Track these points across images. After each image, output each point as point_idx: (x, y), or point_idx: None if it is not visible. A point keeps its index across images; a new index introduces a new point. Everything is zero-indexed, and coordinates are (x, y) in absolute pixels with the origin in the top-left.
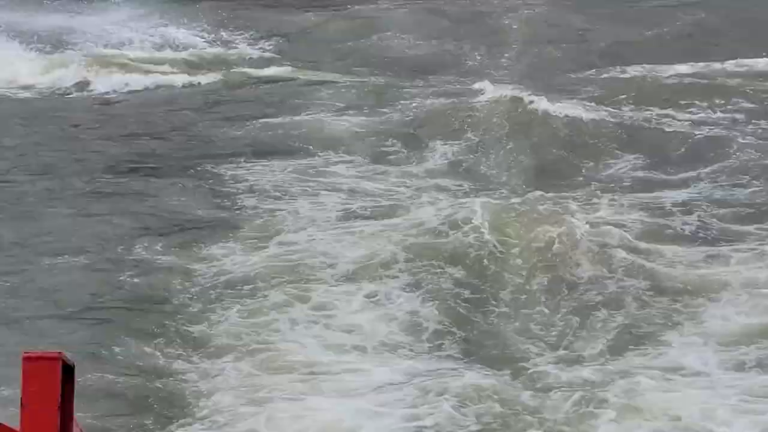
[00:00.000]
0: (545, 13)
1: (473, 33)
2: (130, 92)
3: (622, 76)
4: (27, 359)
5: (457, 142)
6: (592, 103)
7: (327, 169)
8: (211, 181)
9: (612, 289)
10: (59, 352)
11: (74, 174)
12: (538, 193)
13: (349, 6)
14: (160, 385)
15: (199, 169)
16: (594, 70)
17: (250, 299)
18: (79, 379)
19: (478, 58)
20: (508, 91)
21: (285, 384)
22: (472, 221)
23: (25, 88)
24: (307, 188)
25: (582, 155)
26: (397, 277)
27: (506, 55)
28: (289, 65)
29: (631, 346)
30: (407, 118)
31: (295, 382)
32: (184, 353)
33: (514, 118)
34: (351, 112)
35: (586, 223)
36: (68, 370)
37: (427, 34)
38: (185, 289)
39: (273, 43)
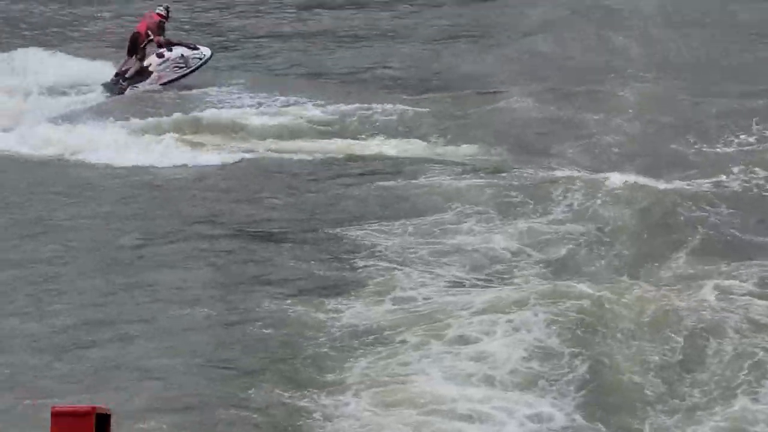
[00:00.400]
0: (659, 89)
1: (587, 106)
2: (249, 158)
3: (730, 145)
4: (56, 415)
5: (575, 207)
6: (701, 177)
7: (449, 226)
8: (331, 243)
9: (717, 324)
10: (92, 407)
11: (197, 237)
12: (653, 250)
13: (468, 88)
14: (288, 425)
15: (318, 231)
16: (702, 141)
17: (381, 346)
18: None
19: (593, 130)
20: (621, 163)
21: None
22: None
23: (146, 161)
24: (431, 245)
25: (691, 220)
26: (526, 315)
27: (618, 122)
28: (407, 137)
29: (739, 376)
30: (525, 183)
31: (417, 426)
32: (310, 395)
33: (626, 188)
34: (468, 176)
35: (698, 280)
36: (103, 421)
37: (542, 108)
38: (314, 338)
39: (391, 117)
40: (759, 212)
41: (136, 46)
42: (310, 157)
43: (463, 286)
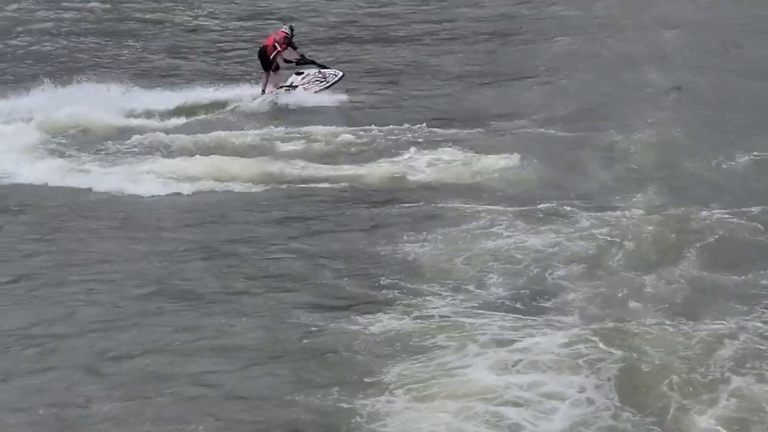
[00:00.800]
0: (677, 117)
1: (609, 135)
2: (276, 185)
3: (749, 169)
4: None
5: (599, 223)
6: (722, 198)
7: (479, 237)
8: (366, 260)
9: (734, 329)
10: None
11: (230, 255)
12: (674, 260)
13: (493, 116)
14: (335, 423)
15: (351, 249)
16: (722, 165)
17: (418, 350)
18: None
19: (614, 154)
20: (642, 185)
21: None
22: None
23: (177, 187)
24: (460, 258)
25: (712, 237)
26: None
27: (637, 148)
28: (435, 160)
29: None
30: (551, 204)
31: (460, 413)
32: (354, 395)
33: (648, 208)
34: (496, 198)
35: (716, 289)
36: None
37: (565, 135)
38: (351, 345)
39: (418, 140)
40: None
41: (266, 60)
42: (339, 181)
43: (496, 296)
